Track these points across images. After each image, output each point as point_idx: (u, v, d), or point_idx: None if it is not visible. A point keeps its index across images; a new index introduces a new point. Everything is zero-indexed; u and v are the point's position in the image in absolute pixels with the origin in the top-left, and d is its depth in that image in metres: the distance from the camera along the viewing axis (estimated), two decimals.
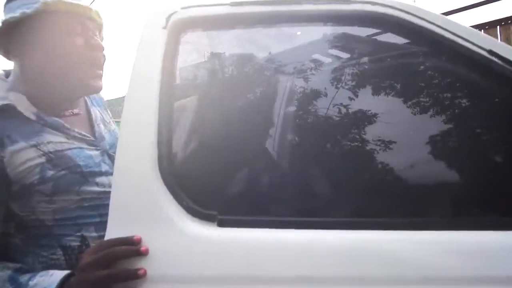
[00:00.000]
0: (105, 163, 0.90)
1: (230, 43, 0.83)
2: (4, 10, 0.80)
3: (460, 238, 0.61)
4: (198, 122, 0.75)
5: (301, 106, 0.75)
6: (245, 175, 0.70)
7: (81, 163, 0.84)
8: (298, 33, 0.83)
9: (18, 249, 0.79)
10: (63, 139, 0.84)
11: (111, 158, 0.91)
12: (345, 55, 0.82)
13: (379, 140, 0.70)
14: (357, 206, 0.71)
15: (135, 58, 0.77)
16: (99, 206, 0.85)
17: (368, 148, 0.71)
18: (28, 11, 0.75)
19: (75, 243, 0.81)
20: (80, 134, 0.88)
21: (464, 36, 0.74)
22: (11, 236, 0.79)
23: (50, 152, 0.80)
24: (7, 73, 0.87)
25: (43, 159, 0.79)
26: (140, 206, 0.65)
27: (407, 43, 0.80)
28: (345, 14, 0.81)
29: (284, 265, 0.61)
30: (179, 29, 0.81)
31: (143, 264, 0.61)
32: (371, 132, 0.72)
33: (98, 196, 0.84)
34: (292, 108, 0.74)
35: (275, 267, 0.61)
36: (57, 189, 0.79)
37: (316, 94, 0.77)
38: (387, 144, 0.70)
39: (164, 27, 0.81)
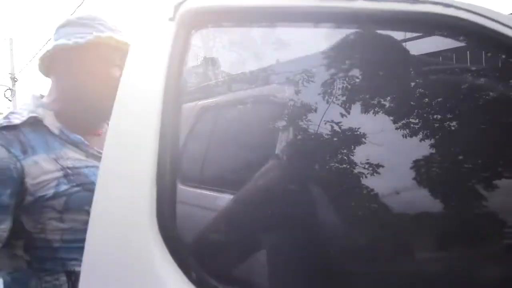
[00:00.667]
0: None
1: (254, 42, 0.64)
2: (55, 33, 0.89)
3: None
4: (214, 157, 0.55)
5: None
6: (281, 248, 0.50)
7: (96, 181, 0.84)
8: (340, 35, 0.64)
9: (22, 273, 0.83)
10: (82, 156, 0.88)
11: None
12: (403, 68, 0.63)
13: None
14: None
15: (128, 59, 0.57)
16: None
17: None
18: (81, 41, 0.82)
19: (80, 268, 0.79)
20: (99, 152, 0.90)
21: None
22: (18, 259, 0.83)
23: (68, 168, 0.85)
24: (42, 96, 0.95)
25: (60, 173, 0.83)
26: (127, 271, 0.45)
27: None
28: (408, 16, 0.62)
29: None
30: (190, 21, 0.62)
31: None
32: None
33: None
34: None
35: None
36: (69, 206, 0.82)
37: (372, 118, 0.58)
38: None
39: (172, 19, 0.61)
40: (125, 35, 0.89)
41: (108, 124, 1.00)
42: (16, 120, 0.83)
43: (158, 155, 0.47)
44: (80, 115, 0.91)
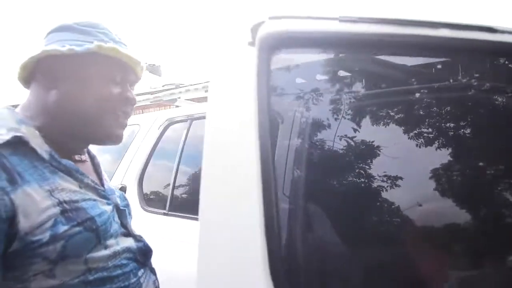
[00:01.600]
0: (114, 221, 0.76)
1: (334, 70, 0.62)
2: (46, 38, 0.74)
3: None
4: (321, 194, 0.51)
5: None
6: None
7: (97, 218, 0.70)
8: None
9: None
10: (76, 187, 0.70)
11: (121, 215, 0.79)
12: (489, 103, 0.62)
13: None
14: None
15: (211, 89, 0.53)
16: (105, 282, 0.68)
17: None
18: (78, 49, 0.69)
19: None
20: (94, 183, 0.76)
21: None
22: None
23: (65, 202, 0.66)
24: (15, 107, 0.77)
25: (57, 210, 0.64)
26: None
27: None
28: (489, 46, 0.61)
29: None
30: (269, 46, 0.59)
31: None
32: None
33: (106, 263, 0.69)
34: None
35: None
36: (65, 253, 0.63)
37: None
38: None
39: (251, 43, 0.58)
40: (130, 49, 0.76)
41: (86, 151, 0.83)
42: None
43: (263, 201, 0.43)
44: (68, 135, 0.74)
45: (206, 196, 0.46)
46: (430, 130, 0.58)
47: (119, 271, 0.70)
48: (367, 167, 0.56)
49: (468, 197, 0.58)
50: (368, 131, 0.57)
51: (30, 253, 0.60)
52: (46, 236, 0.61)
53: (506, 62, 0.61)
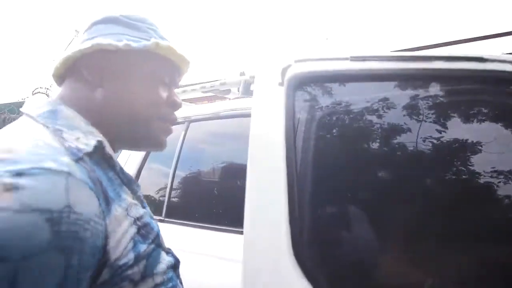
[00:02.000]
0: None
1: (350, 100, 0.78)
2: (89, 30, 0.64)
3: None
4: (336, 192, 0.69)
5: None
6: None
7: (159, 233, 0.63)
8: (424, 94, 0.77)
9: None
10: (132, 199, 0.60)
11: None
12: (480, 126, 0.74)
13: None
14: None
15: (253, 120, 0.73)
16: None
17: None
18: (134, 45, 0.60)
19: None
20: (141, 193, 0.66)
21: None
22: None
23: (137, 219, 0.58)
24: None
25: (134, 229, 0.56)
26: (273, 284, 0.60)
27: None
28: (480, 74, 0.73)
29: None
30: (296, 85, 0.77)
31: None
32: None
33: (163, 278, 0.60)
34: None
35: None
36: (147, 271, 0.56)
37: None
38: None
39: (281, 84, 0.76)
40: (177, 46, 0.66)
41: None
42: (83, 146, 0.53)
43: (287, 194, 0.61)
44: (111, 139, 0.62)
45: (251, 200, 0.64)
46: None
47: (170, 285, 0.61)
48: (366, 175, 0.72)
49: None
50: (367, 146, 0.73)
51: (117, 278, 0.52)
52: (131, 258, 0.53)
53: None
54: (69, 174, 0.45)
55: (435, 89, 0.75)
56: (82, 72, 0.61)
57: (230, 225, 1.27)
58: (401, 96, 0.76)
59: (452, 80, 0.75)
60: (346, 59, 0.77)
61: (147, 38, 0.63)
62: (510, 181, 0.70)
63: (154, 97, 0.64)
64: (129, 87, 0.63)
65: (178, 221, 1.46)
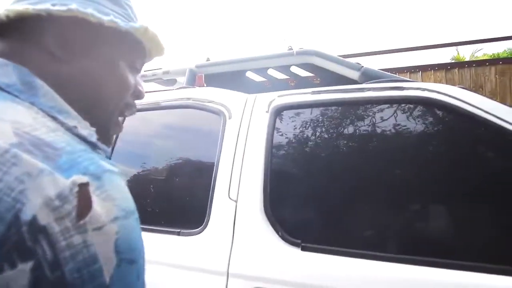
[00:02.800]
0: None
1: (313, 120, 1.17)
2: None
3: None
4: (291, 178, 1.09)
5: (371, 163, 1.03)
6: (322, 218, 1.01)
7: None
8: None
9: None
10: None
11: None
12: (400, 130, 1.08)
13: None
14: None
15: (248, 132, 1.16)
16: None
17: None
18: (121, 24, 0.48)
19: None
20: None
21: (500, 115, 0.94)
22: None
23: None
24: None
25: None
26: (255, 231, 1.01)
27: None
28: (399, 99, 1.08)
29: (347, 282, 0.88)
30: (276, 112, 1.19)
31: (253, 271, 0.95)
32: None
33: None
34: (362, 163, 1.03)
35: (339, 281, 0.89)
36: None
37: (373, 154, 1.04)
38: None
39: (267, 111, 1.19)
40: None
41: None
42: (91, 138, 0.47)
43: (263, 179, 1.03)
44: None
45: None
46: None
47: None
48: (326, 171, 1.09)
49: None
50: (313, 149, 1.11)
51: None
52: None
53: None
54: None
55: (367, 111, 1.11)
56: (45, 39, 0.47)
57: (164, 226, 1.18)
58: (342, 116, 1.13)
59: (380, 103, 1.10)
60: (309, 93, 1.18)
61: (126, 16, 0.53)
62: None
63: (124, 83, 0.54)
64: (100, 68, 0.52)
65: None
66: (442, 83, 3.98)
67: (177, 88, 1.59)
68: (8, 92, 0.38)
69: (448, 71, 4.06)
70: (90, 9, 0.46)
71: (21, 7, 0.44)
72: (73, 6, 0.44)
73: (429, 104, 1.04)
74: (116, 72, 0.52)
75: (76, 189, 0.31)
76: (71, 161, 0.33)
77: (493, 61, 3.98)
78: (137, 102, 0.58)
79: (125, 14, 0.52)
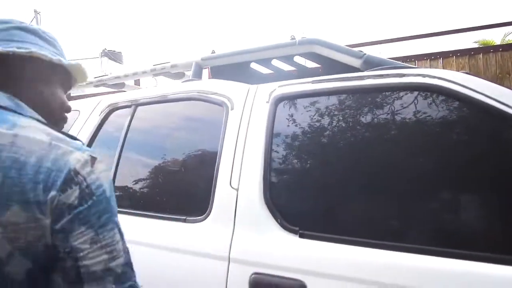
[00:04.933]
0: None
1: (313, 109, 1.18)
2: (8, 31, 0.70)
3: None
4: (290, 167, 1.11)
5: (366, 152, 1.03)
6: (319, 207, 1.02)
7: None
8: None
9: None
10: None
11: None
12: (401, 116, 1.07)
13: None
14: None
15: (249, 122, 1.18)
16: None
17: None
18: (65, 62, 0.74)
19: None
20: None
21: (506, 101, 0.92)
22: None
23: None
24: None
25: None
26: (255, 218, 1.04)
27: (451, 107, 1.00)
28: (400, 86, 1.06)
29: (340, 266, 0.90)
30: (276, 101, 1.20)
31: (253, 256, 0.98)
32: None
33: None
34: (357, 153, 1.03)
35: (336, 267, 0.90)
36: None
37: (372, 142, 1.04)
38: None
39: (267, 101, 1.21)
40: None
41: None
42: None
43: (263, 167, 1.05)
44: None
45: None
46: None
47: None
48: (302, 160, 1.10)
49: None
50: (311, 139, 1.11)
51: None
52: None
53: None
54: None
55: (367, 99, 1.10)
56: (14, 70, 0.70)
57: (171, 213, 1.25)
58: (342, 105, 1.13)
59: (380, 91, 1.09)
60: (309, 82, 1.18)
61: (63, 55, 0.77)
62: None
63: (61, 101, 0.77)
64: (50, 91, 0.75)
65: (123, 210, 1.31)
66: (465, 70, 3.82)
67: (183, 81, 1.67)
68: (10, 110, 0.63)
69: (471, 56, 3.84)
70: (45, 52, 0.70)
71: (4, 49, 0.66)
72: (32, 49, 0.68)
73: (430, 90, 1.02)
74: (57, 94, 0.76)
75: (89, 157, 0.61)
76: (77, 145, 0.62)
77: None
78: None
79: (61, 54, 0.75)
